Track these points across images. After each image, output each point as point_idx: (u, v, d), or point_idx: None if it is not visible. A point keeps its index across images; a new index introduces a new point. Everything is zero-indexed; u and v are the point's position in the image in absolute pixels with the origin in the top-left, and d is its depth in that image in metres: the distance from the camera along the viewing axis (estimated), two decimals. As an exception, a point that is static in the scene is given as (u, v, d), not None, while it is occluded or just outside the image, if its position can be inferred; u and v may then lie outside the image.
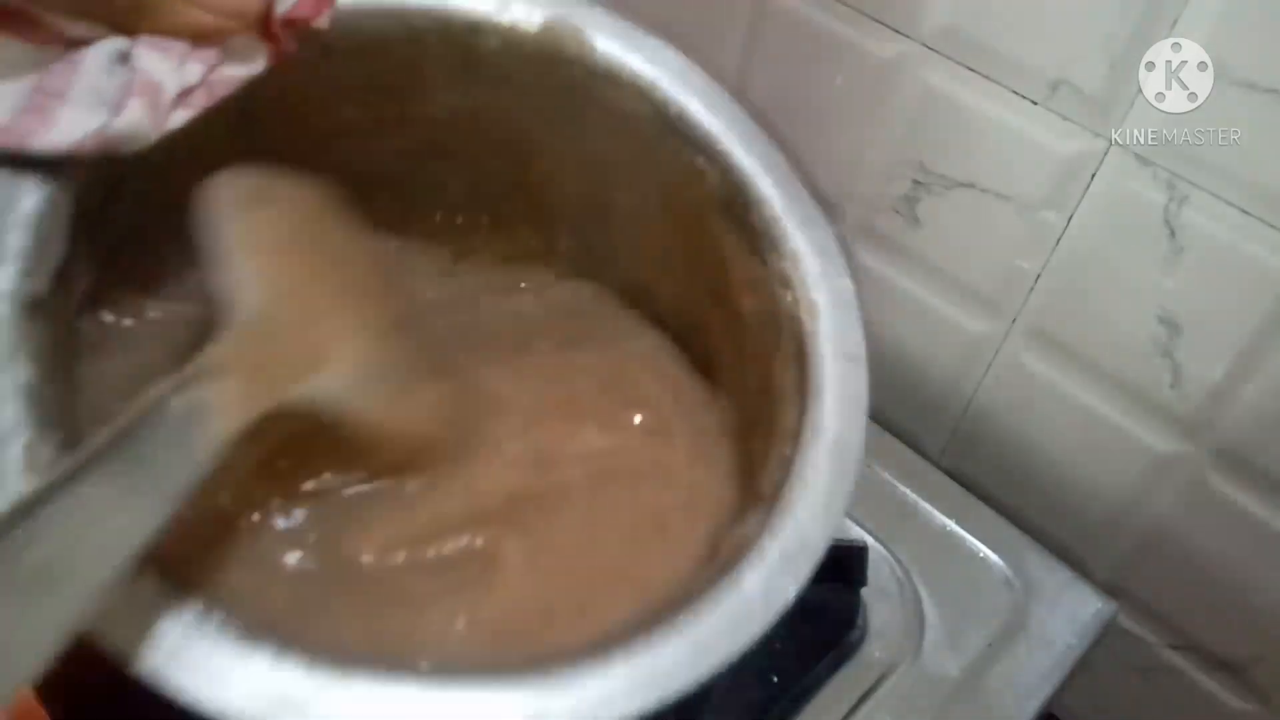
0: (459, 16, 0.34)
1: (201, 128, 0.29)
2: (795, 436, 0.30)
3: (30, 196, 0.27)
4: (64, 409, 0.26)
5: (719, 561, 0.29)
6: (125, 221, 0.32)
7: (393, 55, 0.35)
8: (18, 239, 0.26)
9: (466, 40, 0.35)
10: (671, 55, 0.36)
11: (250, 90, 0.30)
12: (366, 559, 0.31)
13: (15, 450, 0.24)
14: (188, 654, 0.23)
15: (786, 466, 0.30)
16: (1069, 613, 0.47)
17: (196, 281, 0.32)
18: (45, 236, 0.27)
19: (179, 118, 0.28)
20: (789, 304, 0.33)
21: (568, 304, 0.41)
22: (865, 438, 0.31)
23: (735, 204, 0.35)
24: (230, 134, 0.31)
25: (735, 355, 0.37)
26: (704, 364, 0.39)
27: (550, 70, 0.35)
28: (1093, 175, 0.42)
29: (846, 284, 0.34)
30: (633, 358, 0.39)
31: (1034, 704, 0.43)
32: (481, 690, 0.24)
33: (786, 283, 0.33)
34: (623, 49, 0.35)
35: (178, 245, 0.31)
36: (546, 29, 0.35)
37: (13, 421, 0.24)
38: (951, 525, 0.50)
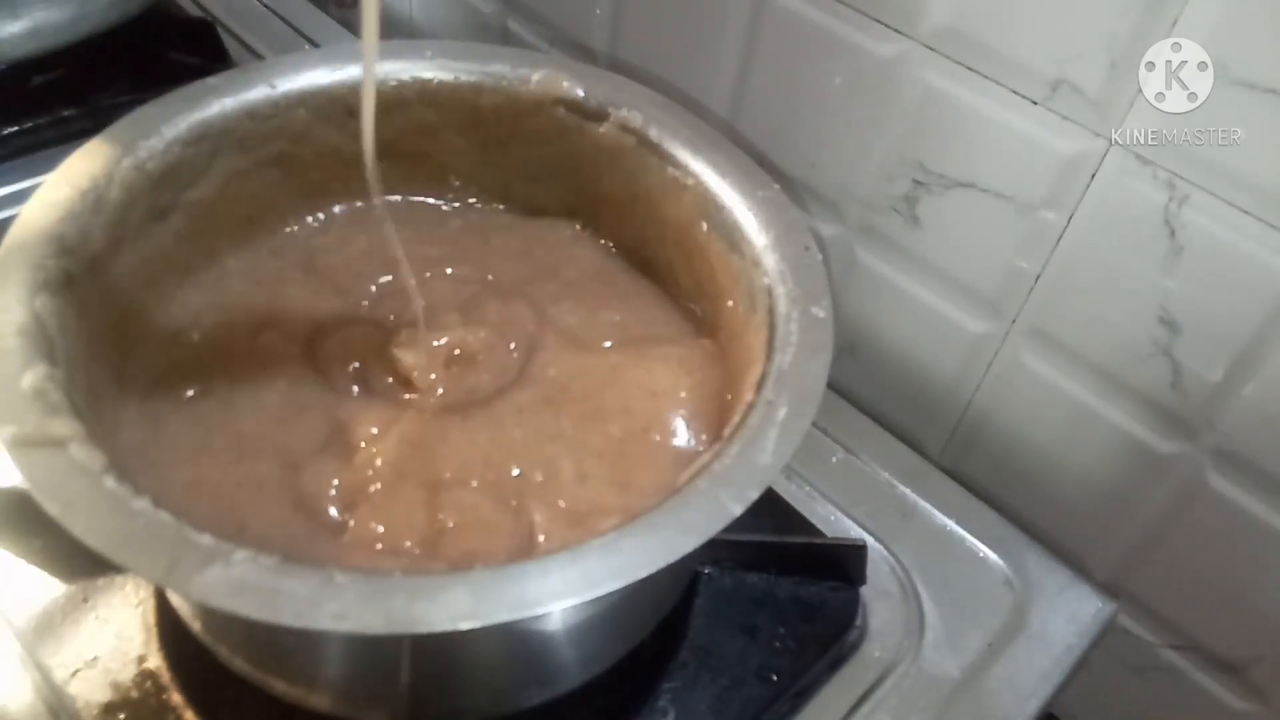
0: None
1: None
2: (759, 386, 0.35)
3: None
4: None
5: (679, 480, 0.33)
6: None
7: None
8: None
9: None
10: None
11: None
12: None
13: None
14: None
15: (748, 409, 0.34)
16: (1069, 613, 0.47)
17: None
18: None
19: None
20: (763, 282, 0.39)
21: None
22: (824, 385, 0.35)
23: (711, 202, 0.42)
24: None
25: (726, 329, 0.42)
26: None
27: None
28: (1093, 175, 0.42)
29: (815, 256, 0.39)
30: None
31: (1034, 704, 0.43)
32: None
33: (758, 262, 0.39)
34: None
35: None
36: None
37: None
38: (951, 525, 0.50)
